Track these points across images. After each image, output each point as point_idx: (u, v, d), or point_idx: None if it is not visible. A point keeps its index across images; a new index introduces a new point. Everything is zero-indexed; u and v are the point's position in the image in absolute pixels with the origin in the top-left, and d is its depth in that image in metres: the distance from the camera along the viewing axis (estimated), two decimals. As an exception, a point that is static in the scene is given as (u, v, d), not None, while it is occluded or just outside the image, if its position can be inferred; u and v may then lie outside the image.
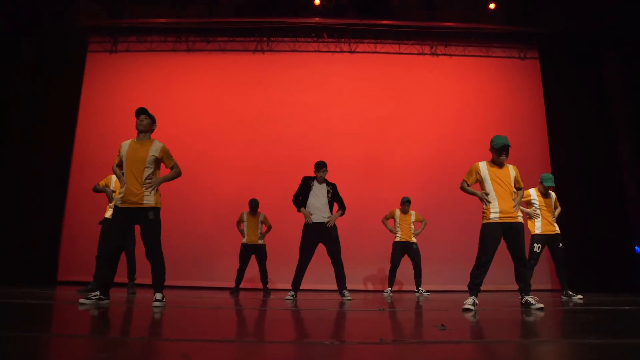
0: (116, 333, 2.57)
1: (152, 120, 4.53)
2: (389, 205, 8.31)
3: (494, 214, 4.31)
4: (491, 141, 4.52)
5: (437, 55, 10.61)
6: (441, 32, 10.45)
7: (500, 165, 4.50)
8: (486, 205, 4.38)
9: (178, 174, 4.42)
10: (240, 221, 7.75)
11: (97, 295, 4.14)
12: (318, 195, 5.95)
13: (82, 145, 9.96)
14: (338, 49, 10.66)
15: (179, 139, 9.93)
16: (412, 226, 7.87)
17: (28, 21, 9.65)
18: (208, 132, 10.01)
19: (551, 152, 9.67)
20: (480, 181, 4.51)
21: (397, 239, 7.82)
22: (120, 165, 4.40)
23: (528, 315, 3.66)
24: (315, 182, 6.01)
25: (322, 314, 3.93)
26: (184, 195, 9.32)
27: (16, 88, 9.57)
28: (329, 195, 5.96)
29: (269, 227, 7.70)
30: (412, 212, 7.95)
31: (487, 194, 4.40)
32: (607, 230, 8.87)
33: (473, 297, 4.18)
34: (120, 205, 4.19)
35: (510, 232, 4.31)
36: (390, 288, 7.64)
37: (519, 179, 4.56)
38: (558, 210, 6.37)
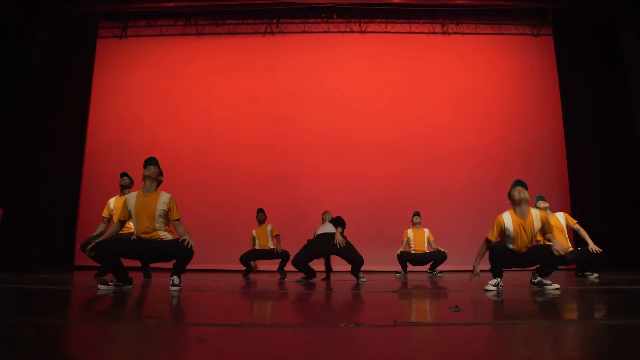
0: (134, 318, 2.61)
1: (160, 171, 4.38)
2: (399, 185, 8.26)
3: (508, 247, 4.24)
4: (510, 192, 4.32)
5: (449, 34, 10.46)
6: (452, 10, 10.29)
7: (523, 215, 4.21)
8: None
9: (182, 228, 4.30)
10: (251, 238, 7.60)
11: (114, 281, 4.21)
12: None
13: (95, 134, 10.04)
14: (348, 29, 10.55)
15: (190, 123, 9.98)
16: (426, 242, 7.66)
17: (39, 9, 9.66)
18: (219, 115, 10.02)
19: (566, 132, 9.53)
20: (502, 234, 4.29)
21: (412, 252, 7.66)
22: (124, 219, 4.34)
23: (542, 295, 3.64)
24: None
25: (335, 296, 3.95)
26: (198, 178, 9.39)
27: (30, 77, 9.62)
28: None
29: (278, 237, 7.50)
30: (426, 230, 7.72)
31: (478, 275, 4.29)
32: (623, 209, 8.76)
33: (498, 279, 4.14)
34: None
35: (525, 254, 4.28)
36: (403, 270, 7.65)
37: (549, 225, 4.30)
38: (580, 231, 6.23)
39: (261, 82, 10.24)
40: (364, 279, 5.77)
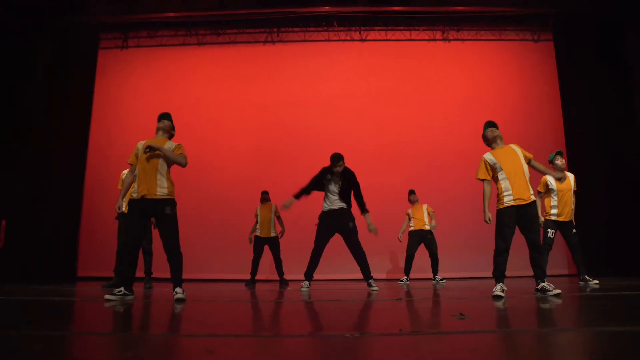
0: (140, 330, 2.61)
1: (172, 125, 4.71)
2: (402, 193, 8.29)
3: (508, 198, 4.26)
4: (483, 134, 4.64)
5: (449, 40, 10.50)
6: (453, 17, 10.32)
7: (501, 144, 4.51)
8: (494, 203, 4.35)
9: (182, 158, 4.43)
10: (255, 215, 7.82)
11: (121, 291, 4.22)
12: (334, 185, 5.94)
13: (96, 142, 10.06)
14: (349, 38, 10.60)
15: (191, 133, 9.99)
16: (426, 215, 7.85)
17: (40, 20, 9.72)
18: (220, 125, 10.05)
19: (566, 137, 9.52)
20: (493, 171, 4.41)
21: (412, 228, 7.86)
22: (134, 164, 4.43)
23: (545, 302, 3.64)
24: (332, 175, 5.95)
25: (339, 305, 3.95)
26: (198, 188, 9.40)
27: (32, 88, 9.66)
28: (340, 184, 5.93)
29: (280, 218, 7.75)
30: (424, 206, 7.96)
31: (489, 219, 4.41)
32: (626, 214, 8.73)
33: (501, 284, 4.14)
34: (136, 197, 4.23)
35: (525, 217, 4.25)
36: (406, 277, 7.65)
37: (525, 152, 4.47)
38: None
39: (262, 90, 10.27)
40: (376, 288, 5.60)
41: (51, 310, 3.56)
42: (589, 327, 2.45)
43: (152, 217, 4.38)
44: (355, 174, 6.03)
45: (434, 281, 7.56)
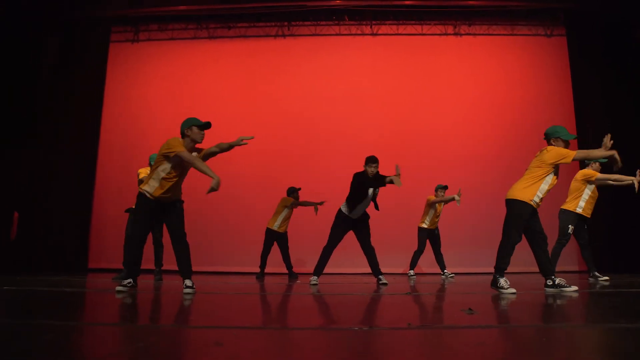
0: (151, 321, 2.64)
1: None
2: (410, 187, 8.24)
3: (537, 199, 4.13)
4: (558, 132, 4.32)
5: (461, 35, 10.41)
6: (464, 11, 10.23)
7: None
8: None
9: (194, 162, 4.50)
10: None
11: (130, 282, 4.29)
12: (371, 190, 5.74)
13: (107, 136, 10.14)
14: (359, 32, 10.55)
15: (202, 127, 10.02)
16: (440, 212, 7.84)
17: (51, 14, 9.78)
18: (231, 119, 10.05)
19: (578, 133, 9.42)
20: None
21: (425, 226, 7.73)
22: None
23: (555, 298, 3.62)
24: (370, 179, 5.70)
25: (347, 299, 3.96)
26: (208, 181, 9.42)
27: (42, 81, 9.74)
28: (376, 191, 5.79)
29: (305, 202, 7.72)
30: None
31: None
32: (637, 209, 8.61)
33: (504, 279, 4.08)
34: (151, 199, 4.27)
35: (535, 215, 4.21)
36: (412, 271, 7.65)
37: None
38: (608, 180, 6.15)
39: (273, 84, 10.27)
40: (386, 282, 5.56)
41: (62, 301, 3.60)
42: (598, 323, 2.44)
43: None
44: (362, 166, 5.90)
45: (442, 276, 7.55)
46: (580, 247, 6.20)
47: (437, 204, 7.75)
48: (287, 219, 7.64)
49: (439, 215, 7.82)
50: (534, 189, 4.15)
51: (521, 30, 10.38)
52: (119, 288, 4.20)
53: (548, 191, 4.18)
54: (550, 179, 4.17)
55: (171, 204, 4.33)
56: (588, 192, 6.02)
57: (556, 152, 4.14)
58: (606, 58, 9.40)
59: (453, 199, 7.47)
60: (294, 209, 7.73)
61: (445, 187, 7.78)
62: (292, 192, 7.77)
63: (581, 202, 5.99)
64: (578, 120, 9.48)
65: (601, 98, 9.28)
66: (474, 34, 10.39)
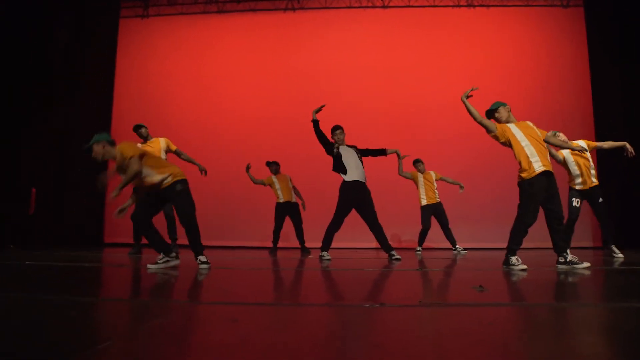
0: (167, 297, 2.70)
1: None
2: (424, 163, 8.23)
3: (538, 165, 4.07)
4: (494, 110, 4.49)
5: (474, 6, 10.20)
6: (478, -19, 10.02)
7: (516, 121, 4.39)
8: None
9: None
10: (269, 184, 7.83)
11: (162, 258, 4.18)
12: (349, 156, 5.88)
13: (119, 112, 10.19)
14: (370, 4, 10.38)
15: (210, 100, 10.05)
16: (435, 185, 7.72)
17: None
18: (240, 92, 10.05)
19: (594, 106, 9.28)
20: (512, 141, 4.23)
21: (424, 203, 7.66)
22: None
23: (567, 275, 3.63)
24: (340, 147, 5.93)
25: (359, 274, 4.00)
26: (219, 156, 9.47)
27: (57, 58, 9.76)
28: (358, 156, 5.90)
29: (296, 189, 7.87)
30: (432, 172, 7.78)
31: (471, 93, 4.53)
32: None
33: (517, 257, 4.08)
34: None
35: (552, 187, 4.14)
36: (420, 247, 7.65)
37: (540, 130, 4.35)
38: (606, 143, 5.87)
39: (282, 58, 10.20)
40: (399, 257, 5.47)
41: (78, 276, 3.68)
42: (608, 302, 2.45)
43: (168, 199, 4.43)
44: (374, 141, 5.98)
45: (454, 251, 7.54)
46: (598, 220, 6.06)
47: (421, 178, 7.72)
48: (289, 189, 7.71)
49: (436, 188, 7.68)
50: (522, 161, 4.21)
51: (537, 0, 10.13)
52: (150, 266, 4.12)
53: (534, 153, 4.15)
54: (527, 141, 4.21)
55: (169, 188, 4.27)
56: (575, 167, 5.85)
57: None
58: (627, 30, 9.10)
59: (442, 180, 7.71)
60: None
61: (420, 161, 7.72)
62: (270, 164, 7.88)
63: (577, 179, 5.86)
64: (594, 92, 9.31)
65: (621, 69, 9.04)
66: (488, 5, 10.18)
